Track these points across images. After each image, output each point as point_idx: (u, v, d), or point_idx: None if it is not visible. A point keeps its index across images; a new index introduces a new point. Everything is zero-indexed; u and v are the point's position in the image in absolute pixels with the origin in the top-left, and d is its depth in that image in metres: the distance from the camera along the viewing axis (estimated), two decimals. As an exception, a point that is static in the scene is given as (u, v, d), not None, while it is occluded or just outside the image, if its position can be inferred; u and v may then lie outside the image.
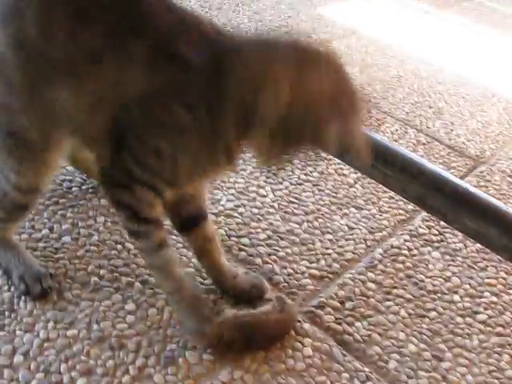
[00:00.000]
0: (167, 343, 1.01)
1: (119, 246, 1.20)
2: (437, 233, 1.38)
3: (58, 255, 1.16)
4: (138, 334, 1.03)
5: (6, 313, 1.04)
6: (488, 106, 2.09)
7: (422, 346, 1.10)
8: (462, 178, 1.63)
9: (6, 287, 1.09)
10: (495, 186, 1.62)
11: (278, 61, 0.90)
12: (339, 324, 1.11)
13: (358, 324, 1.12)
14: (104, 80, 0.93)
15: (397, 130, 1.80)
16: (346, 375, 1.01)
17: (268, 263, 1.22)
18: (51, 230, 1.22)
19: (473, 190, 0.99)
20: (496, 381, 1.06)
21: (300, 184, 1.48)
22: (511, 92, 2.25)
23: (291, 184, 1.47)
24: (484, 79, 2.31)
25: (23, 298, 1.07)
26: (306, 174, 1.51)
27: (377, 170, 1.01)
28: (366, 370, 1.03)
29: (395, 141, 1.74)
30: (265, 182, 1.45)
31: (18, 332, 1.01)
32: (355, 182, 1.51)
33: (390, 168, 0.99)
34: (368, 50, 2.37)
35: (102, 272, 1.14)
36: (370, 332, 1.10)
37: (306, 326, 1.09)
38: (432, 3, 3.10)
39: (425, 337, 1.12)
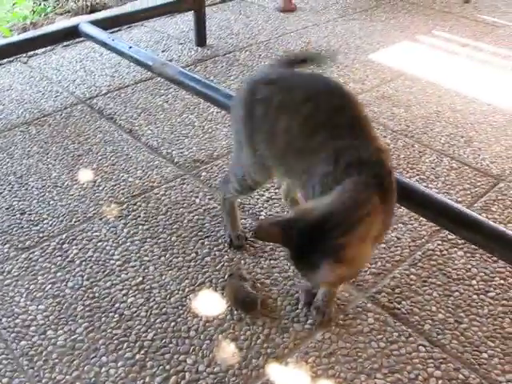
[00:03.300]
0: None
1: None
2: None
3: (203, 269, 1.79)
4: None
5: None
6: (512, 131, 2.59)
7: (448, 314, 1.65)
8: (484, 194, 2.15)
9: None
10: (510, 198, 2.14)
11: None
12: (391, 303, 1.68)
13: (403, 302, 1.68)
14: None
15: (434, 160, 2.33)
16: (395, 334, 1.58)
17: (341, 266, 1.81)
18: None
19: (467, 211, 1.54)
20: (498, 335, 1.60)
21: (361, 208, 2.06)
22: (533, 115, 2.72)
23: (354, 209, 2.05)
24: (511, 105, 2.79)
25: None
26: (364, 201, 2.08)
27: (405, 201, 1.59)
28: (409, 330, 1.59)
29: (432, 168, 2.29)
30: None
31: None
32: (401, 205, 2.07)
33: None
34: (412, 90, 2.88)
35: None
36: (411, 307, 1.67)
37: (369, 305, 1.66)
38: (470, 36, 3.57)
39: (450, 309, 1.66)
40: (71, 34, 2.90)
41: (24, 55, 3.27)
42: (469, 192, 2.15)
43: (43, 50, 3.33)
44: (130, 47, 2.54)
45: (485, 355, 1.54)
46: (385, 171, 1.38)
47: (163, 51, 3.32)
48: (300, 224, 1.28)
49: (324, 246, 1.24)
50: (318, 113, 1.45)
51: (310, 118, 1.45)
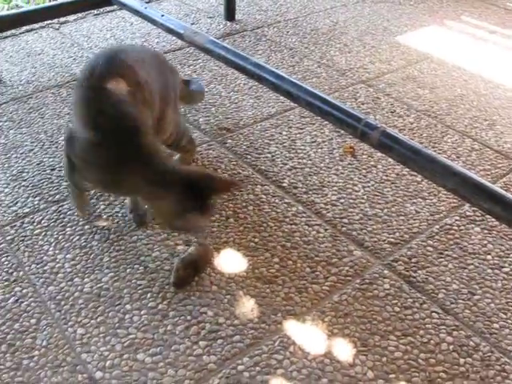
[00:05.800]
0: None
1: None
2: (479, 215, 1.95)
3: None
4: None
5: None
6: (535, 117, 2.61)
7: (462, 285, 1.69)
8: (504, 175, 2.17)
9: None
10: (529, 181, 2.17)
11: None
12: (407, 271, 1.72)
13: (419, 271, 1.72)
14: None
15: (456, 140, 2.36)
16: (410, 300, 1.63)
17: (360, 235, 1.85)
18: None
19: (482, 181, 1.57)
20: (511, 308, 1.63)
21: (382, 182, 2.09)
22: (557, 103, 2.73)
23: (376, 182, 2.09)
24: (535, 92, 2.80)
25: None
26: (386, 175, 2.12)
27: (426, 172, 1.63)
28: (424, 298, 1.64)
29: (454, 148, 2.32)
30: (357, 181, 2.09)
31: (209, 274, 1.70)
32: (422, 180, 2.09)
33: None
34: (437, 73, 2.91)
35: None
36: (427, 276, 1.71)
37: (385, 271, 1.71)
38: (499, 23, 3.57)
39: (464, 280, 1.71)
40: (104, 1, 2.94)
41: (56, 22, 3.32)
42: (489, 173, 2.18)
43: (74, 17, 3.39)
44: (163, 15, 2.58)
45: (496, 325, 1.58)
46: None
47: (192, 24, 3.36)
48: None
49: None
50: None
51: None
